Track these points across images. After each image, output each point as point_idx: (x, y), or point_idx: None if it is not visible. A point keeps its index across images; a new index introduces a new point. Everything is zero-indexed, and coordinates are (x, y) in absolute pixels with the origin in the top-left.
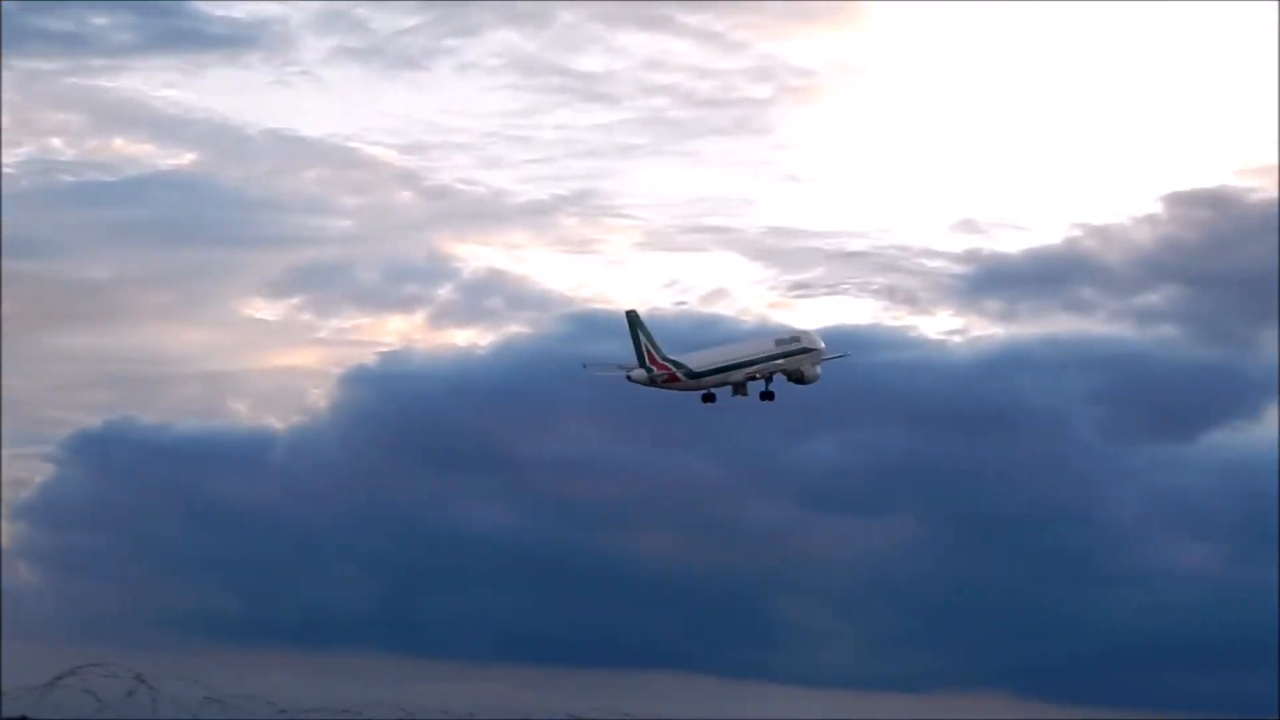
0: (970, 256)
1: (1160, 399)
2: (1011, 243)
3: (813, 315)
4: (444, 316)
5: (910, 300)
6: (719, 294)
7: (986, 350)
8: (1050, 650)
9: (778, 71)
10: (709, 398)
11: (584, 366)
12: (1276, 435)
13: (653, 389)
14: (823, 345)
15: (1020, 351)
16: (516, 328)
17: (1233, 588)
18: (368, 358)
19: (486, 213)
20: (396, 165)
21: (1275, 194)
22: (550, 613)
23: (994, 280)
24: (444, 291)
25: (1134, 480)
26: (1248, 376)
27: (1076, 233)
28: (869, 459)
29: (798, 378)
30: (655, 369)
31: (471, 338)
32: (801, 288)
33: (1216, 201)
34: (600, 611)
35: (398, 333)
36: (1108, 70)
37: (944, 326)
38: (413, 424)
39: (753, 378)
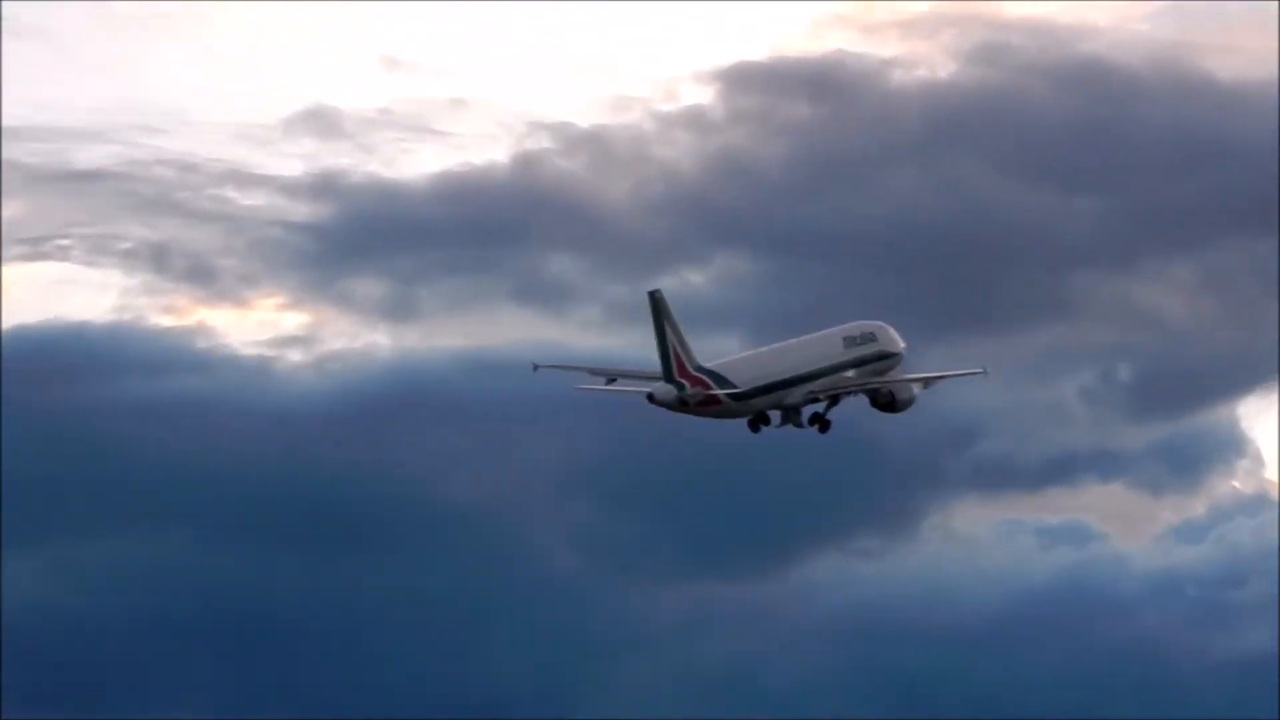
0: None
1: None
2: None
3: None
4: None
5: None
6: None
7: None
8: None
9: None
10: (760, 420)
11: (535, 368)
12: None
13: (678, 413)
14: (903, 346)
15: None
16: None
17: None
18: None
19: None
20: None
21: None
22: None
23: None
24: None
25: None
26: None
27: None
28: None
29: (887, 401)
30: (689, 385)
31: None
32: None
33: None
34: None
35: None
36: None
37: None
38: None
39: (815, 398)
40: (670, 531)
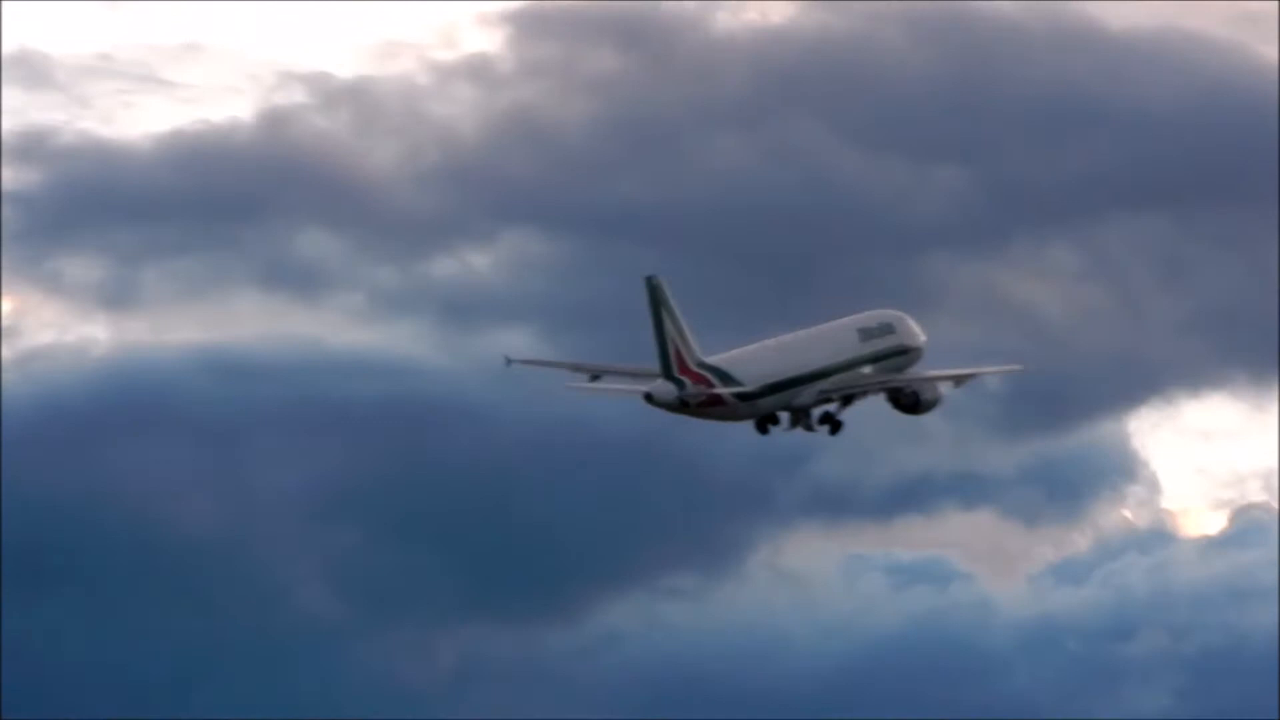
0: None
1: None
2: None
3: None
4: None
5: None
6: None
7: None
8: None
9: None
10: (769, 421)
11: (507, 362)
12: None
13: (676, 415)
14: (924, 340)
15: None
16: None
17: None
18: None
19: None
20: None
21: None
22: None
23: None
24: None
25: None
26: None
27: None
28: None
29: (910, 403)
30: (690, 383)
31: None
32: None
33: None
34: None
35: None
36: None
37: None
38: None
39: (828, 399)
40: (440, 565)
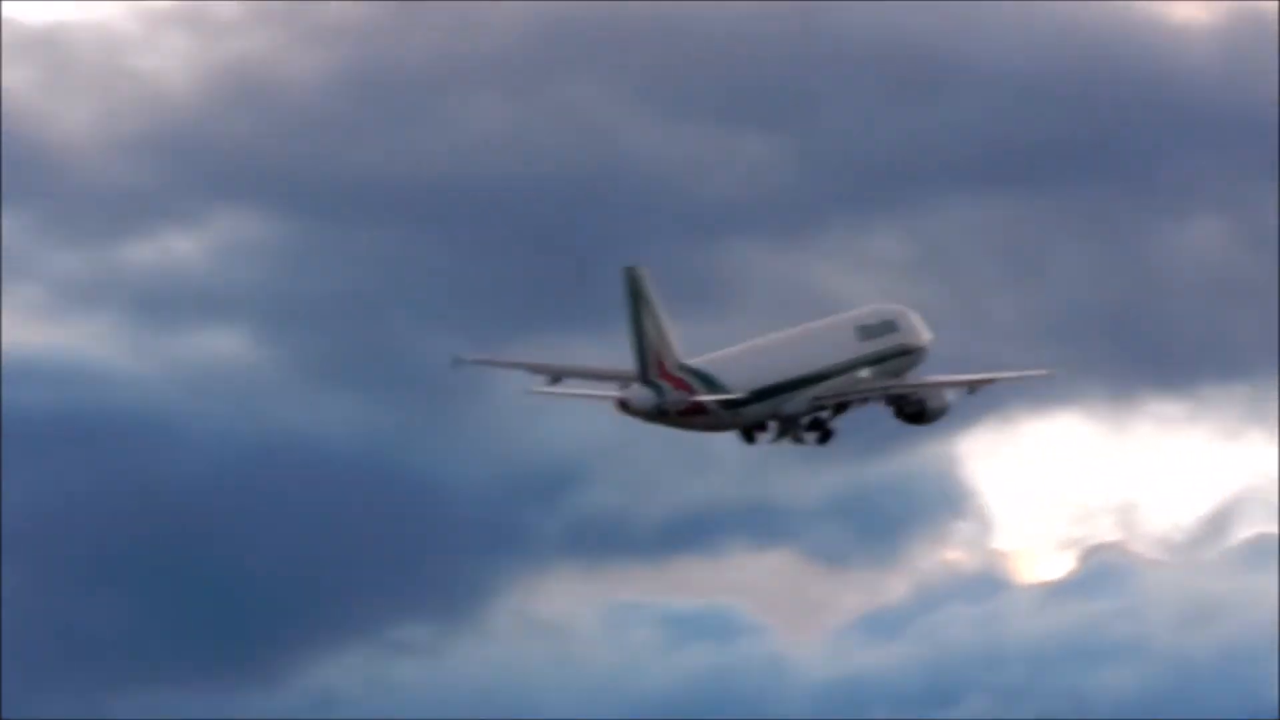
0: None
1: None
2: None
3: None
4: None
5: None
6: None
7: None
8: None
9: None
10: (757, 429)
11: (454, 361)
12: None
13: (652, 424)
14: (929, 339)
15: None
16: None
17: None
18: None
19: None
20: None
21: None
22: None
23: None
24: None
25: None
26: None
27: None
28: None
29: (915, 412)
30: (669, 387)
31: None
32: None
33: None
34: None
35: None
36: None
37: None
38: None
39: (821, 406)
40: (115, 614)
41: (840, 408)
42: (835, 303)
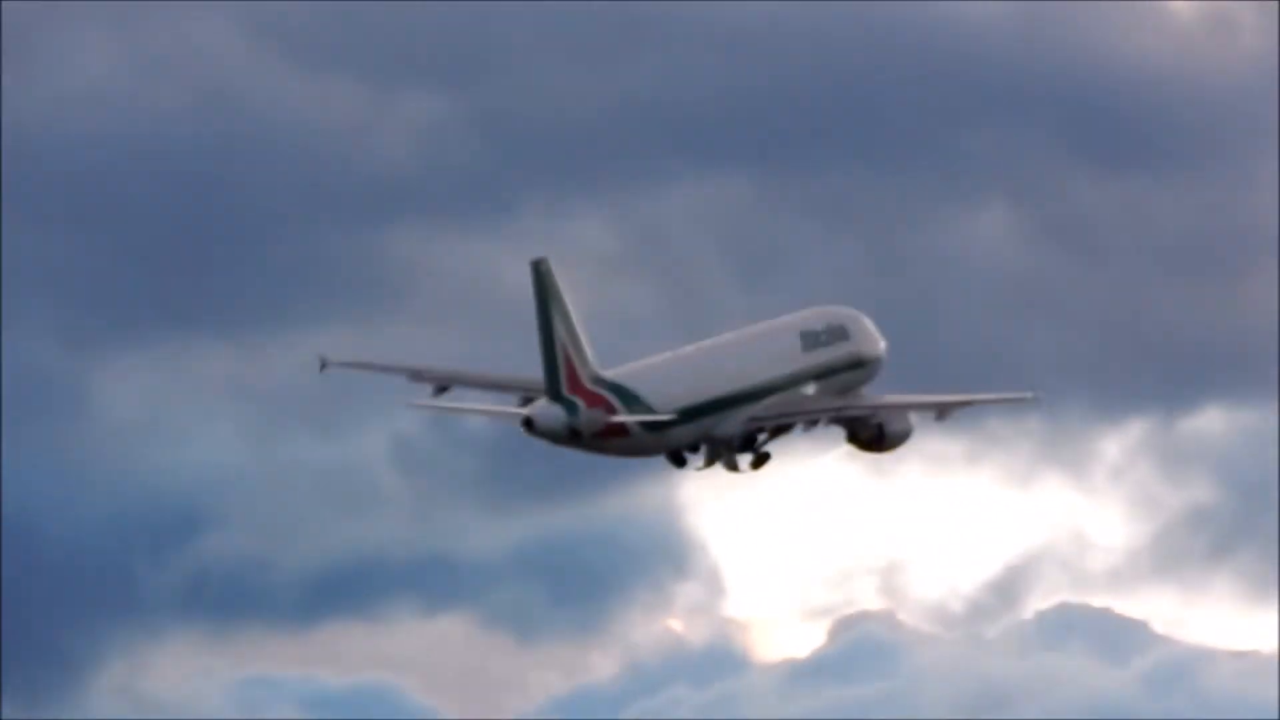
0: None
1: None
2: None
3: None
4: None
5: None
6: None
7: None
8: None
9: None
10: (689, 450)
11: (322, 366)
12: None
13: (563, 447)
14: (883, 348)
15: None
16: None
17: None
18: None
19: None
20: None
21: None
22: None
23: None
24: None
25: None
26: None
27: None
28: None
29: (872, 437)
30: (584, 406)
31: None
32: None
33: None
34: None
35: None
36: None
37: None
38: None
39: (760, 429)
40: None
41: (780, 430)
42: (500, 299)
